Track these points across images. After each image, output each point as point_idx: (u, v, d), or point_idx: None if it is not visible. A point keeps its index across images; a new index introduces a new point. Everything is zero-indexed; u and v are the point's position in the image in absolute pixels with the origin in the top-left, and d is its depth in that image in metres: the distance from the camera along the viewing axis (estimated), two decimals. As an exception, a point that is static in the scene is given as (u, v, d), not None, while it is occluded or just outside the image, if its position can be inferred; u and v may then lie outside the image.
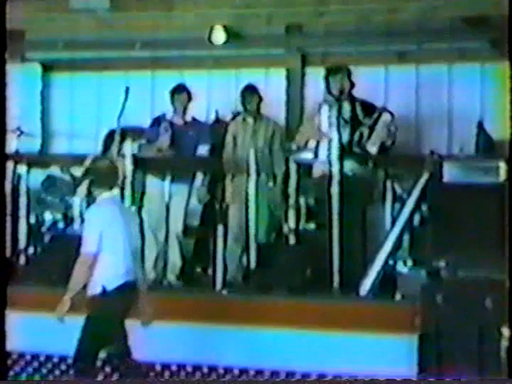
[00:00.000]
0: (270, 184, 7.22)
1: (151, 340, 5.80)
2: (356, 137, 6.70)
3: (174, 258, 7.11)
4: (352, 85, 6.85)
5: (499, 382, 5.16)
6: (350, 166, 6.56)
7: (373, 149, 6.67)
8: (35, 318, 6.25)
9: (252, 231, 6.69)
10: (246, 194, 6.80)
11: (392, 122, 6.79)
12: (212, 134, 7.50)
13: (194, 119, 7.51)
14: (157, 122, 7.48)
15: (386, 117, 6.79)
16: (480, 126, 7.68)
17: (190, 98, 7.44)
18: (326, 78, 6.91)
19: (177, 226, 7.13)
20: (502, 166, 5.45)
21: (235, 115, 7.87)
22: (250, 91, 7.43)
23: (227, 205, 6.98)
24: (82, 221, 7.48)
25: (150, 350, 5.86)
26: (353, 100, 6.81)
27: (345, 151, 6.45)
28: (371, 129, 6.73)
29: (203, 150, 7.29)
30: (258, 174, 6.84)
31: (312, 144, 6.72)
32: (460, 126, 8.25)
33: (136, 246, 5.52)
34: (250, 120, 7.43)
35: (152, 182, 7.18)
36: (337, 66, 7.04)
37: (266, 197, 7.05)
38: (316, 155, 6.52)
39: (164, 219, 6.98)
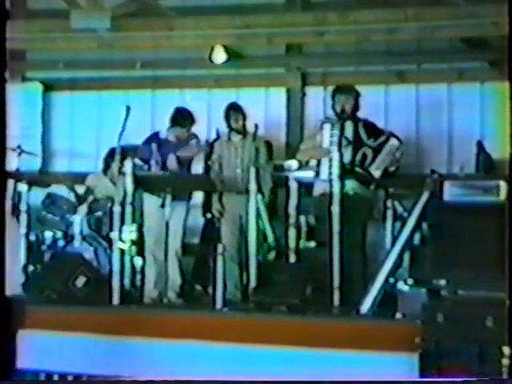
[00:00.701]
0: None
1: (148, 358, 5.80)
2: (358, 157, 6.72)
3: (174, 276, 7.11)
4: (357, 107, 6.87)
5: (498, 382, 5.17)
6: (351, 185, 6.57)
7: (376, 173, 6.68)
8: (34, 336, 6.24)
9: (252, 249, 6.70)
10: (246, 213, 6.81)
11: (399, 148, 6.81)
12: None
13: (188, 135, 7.51)
14: (150, 140, 7.49)
15: (393, 142, 6.80)
16: (480, 145, 7.71)
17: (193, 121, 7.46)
18: (333, 96, 6.94)
19: (176, 243, 7.14)
20: (502, 185, 5.45)
21: (218, 135, 7.94)
22: (234, 110, 7.46)
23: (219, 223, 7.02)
24: (83, 239, 7.56)
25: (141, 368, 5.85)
26: (356, 120, 6.83)
27: (346, 171, 6.46)
28: (376, 151, 6.73)
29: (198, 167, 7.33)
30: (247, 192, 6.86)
31: (313, 162, 6.73)
32: (460, 145, 8.28)
33: None
34: (235, 138, 7.45)
35: (149, 199, 7.19)
36: (346, 85, 7.06)
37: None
38: (317, 174, 6.53)
39: (162, 237, 6.98)
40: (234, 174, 7.16)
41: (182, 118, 7.43)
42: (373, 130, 6.86)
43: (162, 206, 7.05)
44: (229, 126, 7.45)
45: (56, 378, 6.28)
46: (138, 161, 7.25)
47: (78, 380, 5.34)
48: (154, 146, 7.39)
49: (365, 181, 6.64)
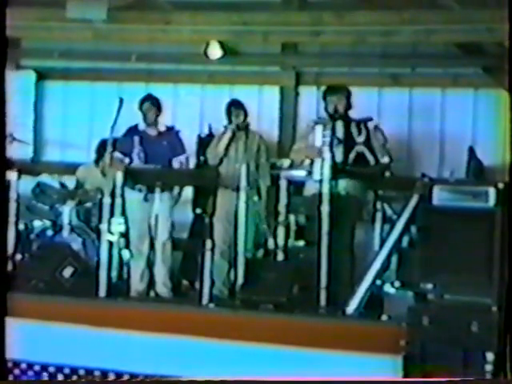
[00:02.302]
0: (255, 198, 7.24)
1: (132, 351, 5.80)
2: (352, 155, 6.73)
3: (161, 270, 7.11)
4: (349, 106, 6.88)
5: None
6: (343, 185, 6.58)
7: (386, 159, 6.72)
8: (21, 325, 6.23)
9: (241, 247, 6.70)
10: (236, 209, 6.82)
11: (376, 126, 6.83)
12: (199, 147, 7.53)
13: (167, 128, 7.49)
14: (129, 132, 7.46)
15: (371, 125, 6.83)
16: (471, 150, 7.74)
17: (159, 109, 7.42)
18: (324, 96, 6.94)
19: (162, 236, 7.13)
20: (492, 191, 5.47)
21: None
22: (235, 106, 7.47)
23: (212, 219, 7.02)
24: (71, 229, 7.55)
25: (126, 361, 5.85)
26: (347, 120, 6.84)
27: (338, 170, 6.47)
28: (368, 144, 6.75)
29: (181, 160, 7.31)
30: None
31: (306, 162, 6.74)
32: (451, 150, 8.32)
33: None
34: (237, 134, 7.45)
35: (131, 194, 7.13)
36: (336, 85, 7.07)
37: (251, 211, 7.07)
38: (310, 174, 6.54)
39: (146, 231, 6.98)
40: (232, 171, 7.13)
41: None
42: (357, 125, 6.86)
43: (146, 199, 7.04)
44: (229, 121, 7.46)
45: (37, 368, 6.29)
46: (118, 154, 7.23)
47: (77, 380, 5.36)
48: (135, 138, 7.35)
49: (356, 176, 6.64)
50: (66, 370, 6.09)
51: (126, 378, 5.71)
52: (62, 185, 7.86)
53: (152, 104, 7.39)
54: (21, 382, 6.32)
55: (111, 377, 5.87)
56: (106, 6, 7.99)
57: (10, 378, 6.33)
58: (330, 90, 6.97)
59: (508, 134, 5.14)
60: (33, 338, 5.98)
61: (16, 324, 6.16)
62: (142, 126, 7.43)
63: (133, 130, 7.43)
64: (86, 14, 8.10)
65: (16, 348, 6.29)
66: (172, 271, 7.24)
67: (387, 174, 6.66)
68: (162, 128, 7.44)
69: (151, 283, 7.05)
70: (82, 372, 5.94)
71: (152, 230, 7.08)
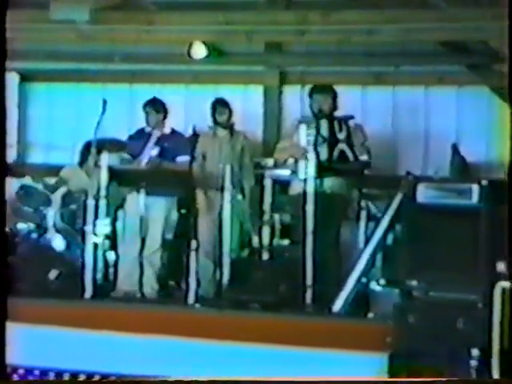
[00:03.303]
0: (239, 197, 7.24)
1: (119, 353, 5.79)
2: (336, 152, 6.74)
3: (149, 272, 7.09)
4: (334, 107, 6.89)
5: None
6: (328, 184, 6.59)
7: (364, 157, 6.74)
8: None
9: (226, 246, 6.70)
10: (220, 209, 6.81)
11: (357, 124, 6.83)
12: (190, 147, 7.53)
13: (173, 131, 7.54)
14: (137, 135, 7.51)
15: (351, 123, 6.84)
16: (455, 148, 7.77)
17: (165, 111, 7.47)
18: (310, 94, 6.95)
19: (154, 241, 7.12)
20: (475, 188, 5.49)
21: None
22: (221, 104, 7.47)
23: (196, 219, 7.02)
24: (56, 231, 7.53)
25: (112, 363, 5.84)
26: (331, 119, 6.85)
27: (323, 168, 6.48)
28: (349, 141, 6.77)
29: (183, 160, 7.33)
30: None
31: (290, 161, 6.75)
32: (435, 147, 8.35)
33: None
34: (221, 133, 7.44)
35: (132, 195, 7.15)
36: (324, 85, 7.07)
37: (235, 211, 7.07)
38: (294, 173, 6.55)
39: (140, 232, 6.97)
40: (216, 170, 7.13)
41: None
42: (339, 123, 6.87)
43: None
44: (214, 120, 7.45)
45: (21, 371, 6.26)
46: (126, 155, 7.27)
47: (77, 380, 5.34)
48: (141, 140, 7.38)
49: (342, 174, 6.65)
50: (51, 374, 6.06)
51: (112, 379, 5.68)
52: (47, 186, 7.84)
53: (156, 107, 7.45)
54: (21, 382, 6.28)
55: (97, 379, 5.85)
56: (89, 6, 7.96)
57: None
58: (316, 89, 6.98)
59: (508, 134, 5.16)
60: (16, 341, 5.95)
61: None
62: (148, 129, 7.48)
63: (139, 132, 7.49)
64: (69, 15, 8.07)
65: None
66: (158, 272, 7.23)
67: (366, 172, 6.66)
68: (166, 130, 7.46)
69: (138, 284, 7.02)
70: (66, 376, 5.90)
71: (142, 232, 7.06)
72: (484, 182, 5.49)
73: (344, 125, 6.81)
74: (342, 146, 6.74)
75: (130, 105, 8.95)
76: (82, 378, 5.79)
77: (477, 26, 7.36)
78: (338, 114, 6.94)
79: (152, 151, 7.35)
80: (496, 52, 7.62)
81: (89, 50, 8.97)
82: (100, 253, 6.74)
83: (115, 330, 6.10)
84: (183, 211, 7.40)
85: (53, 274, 6.65)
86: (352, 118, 6.89)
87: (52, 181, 7.87)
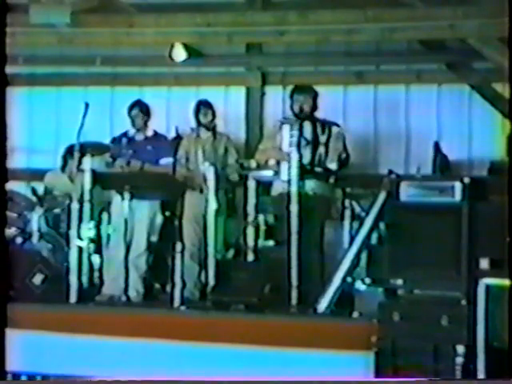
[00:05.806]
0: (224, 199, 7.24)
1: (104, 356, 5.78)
2: (317, 156, 6.77)
3: (134, 275, 7.08)
4: (315, 107, 6.90)
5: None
6: (310, 185, 6.61)
7: (332, 165, 6.74)
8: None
9: (210, 248, 6.70)
10: (205, 210, 6.81)
11: (340, 132, 6.87)
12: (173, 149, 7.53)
13: (155, 133, 7.54)
14: (120, 138, 7.50)
15: (335, 130, 6.87)
16: (436, 146, 7.80)
17: (148, 114, 7.48)
18: (291, 96, 6.97)
19: (139, 245, 7.12)
20: (458, 185, 5.53)
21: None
22: (204, 105, 7.47)
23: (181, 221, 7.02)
24: (41, 236, 7.51)
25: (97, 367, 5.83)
26: (314, 120, 6.87)
27: (306, 171, 6.50)
28: (326, 146, 6.81)
29: (166, 163, 7.33)
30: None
31: (272, 162, 6.76)
32: (417, 145, 8.39)
33: None
34: (204, 135, 7.45)
35: (116, 199, 7.14)
36: (304, 85, 7.09)
37: (219, 212, 7.07)
38: (277, 174, 6.56)
39: (124, 236, 6.96)
40: (199, 171, 7.11)
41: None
42: (322, 126, 6.90)
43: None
44: (197, 121, 7.45)
45: (9, 377, 6.24)
46: (108, 158, 7.27)
47: (77, 380, 5.32)
48: (123, 144, 7.37)
49: (324, 179, 6.67)
50: (38, 378, 6.05)
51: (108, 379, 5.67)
52: (34, 190, 7.83)
53: (140, 110, 7.47)
54: (21, 382, 6.26)
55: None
56: (69, 9, 7.92)
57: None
58: (297, 89, 7.00)
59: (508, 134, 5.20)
60: (2, 345, 5.93)
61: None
62: (131, 132, 7.47)
63: (123, 136, 7.48)
64: (49, 18, 8.03)
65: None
66: (144, 275, 7.23)
67: (331, 180, 6.64)
68: (149, 133, 7.47)
69: (123, 288, 7.01)
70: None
71: (127, 235, 7.04)
72: (466, 180, 5.52)
73: (327, 129, 6.84)
74: (321, 149, 6.78)
75: (111, 108, 8.94)
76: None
77: (453, 24, 7.39)
78: (320, 114, 6.97)
79: (135, 154, 7.35)
80: (474, 50, 7.67)
81: (69, 53, 8.95)
82: (85, 256, 6.73)
83: (101, 333, 6.10)
84: (168, 214, 7.40)
85: (38, 279, 6.64)
86: (337, 125, 6.91)
87: (36, 185, 7.86)
